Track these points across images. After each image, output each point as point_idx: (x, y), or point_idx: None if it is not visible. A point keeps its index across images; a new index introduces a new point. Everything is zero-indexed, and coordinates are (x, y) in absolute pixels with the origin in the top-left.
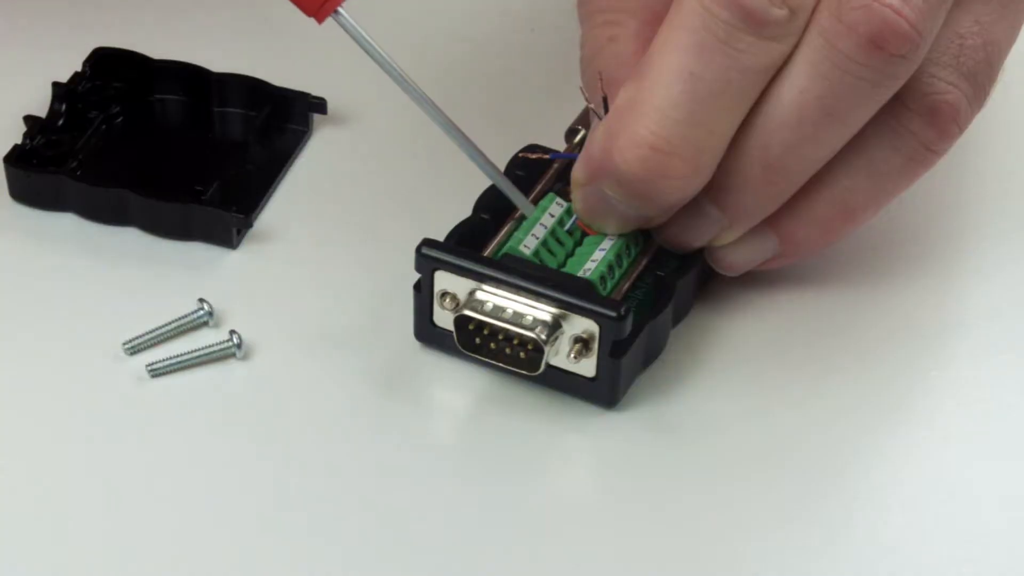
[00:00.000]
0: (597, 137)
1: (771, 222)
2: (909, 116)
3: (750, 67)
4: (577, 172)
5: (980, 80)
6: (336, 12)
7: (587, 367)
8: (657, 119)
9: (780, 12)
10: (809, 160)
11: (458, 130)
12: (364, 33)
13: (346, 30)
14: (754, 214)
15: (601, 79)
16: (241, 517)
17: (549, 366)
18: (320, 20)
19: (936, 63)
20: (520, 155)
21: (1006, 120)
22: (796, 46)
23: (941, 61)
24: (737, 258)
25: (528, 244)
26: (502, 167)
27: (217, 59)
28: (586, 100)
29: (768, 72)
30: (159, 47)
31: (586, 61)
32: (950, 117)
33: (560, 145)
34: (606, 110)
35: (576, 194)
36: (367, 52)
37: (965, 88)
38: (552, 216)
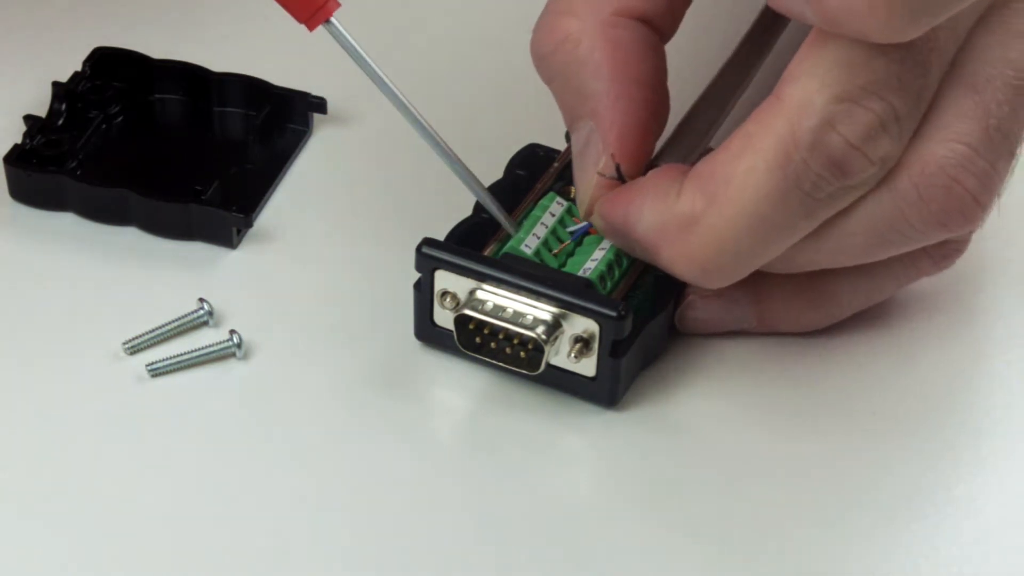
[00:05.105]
0: (645, 219)
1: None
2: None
3: (821, 214)
4: (606, 212)
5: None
6: (328, 22)
7: (587, 367)
8: (717, 249)
9: (872, 170)
10: (818, 268)
11: (444, 144)
12: (356, 44)
13: (337, 40)
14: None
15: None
16: (241, 517)
17: (549, 365)
18: (311, 28)
19: None
20: None
21: None
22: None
23: None
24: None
25: (529, 243)
26: (501, 167)
27: (217, 59)
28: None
29: (832, 213)
30: (159, 47)
31: (548, 58)
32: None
33: (560, 145)
34: None
35: (596, 221)
36: (357, 63)
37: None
38: (553, 215)
